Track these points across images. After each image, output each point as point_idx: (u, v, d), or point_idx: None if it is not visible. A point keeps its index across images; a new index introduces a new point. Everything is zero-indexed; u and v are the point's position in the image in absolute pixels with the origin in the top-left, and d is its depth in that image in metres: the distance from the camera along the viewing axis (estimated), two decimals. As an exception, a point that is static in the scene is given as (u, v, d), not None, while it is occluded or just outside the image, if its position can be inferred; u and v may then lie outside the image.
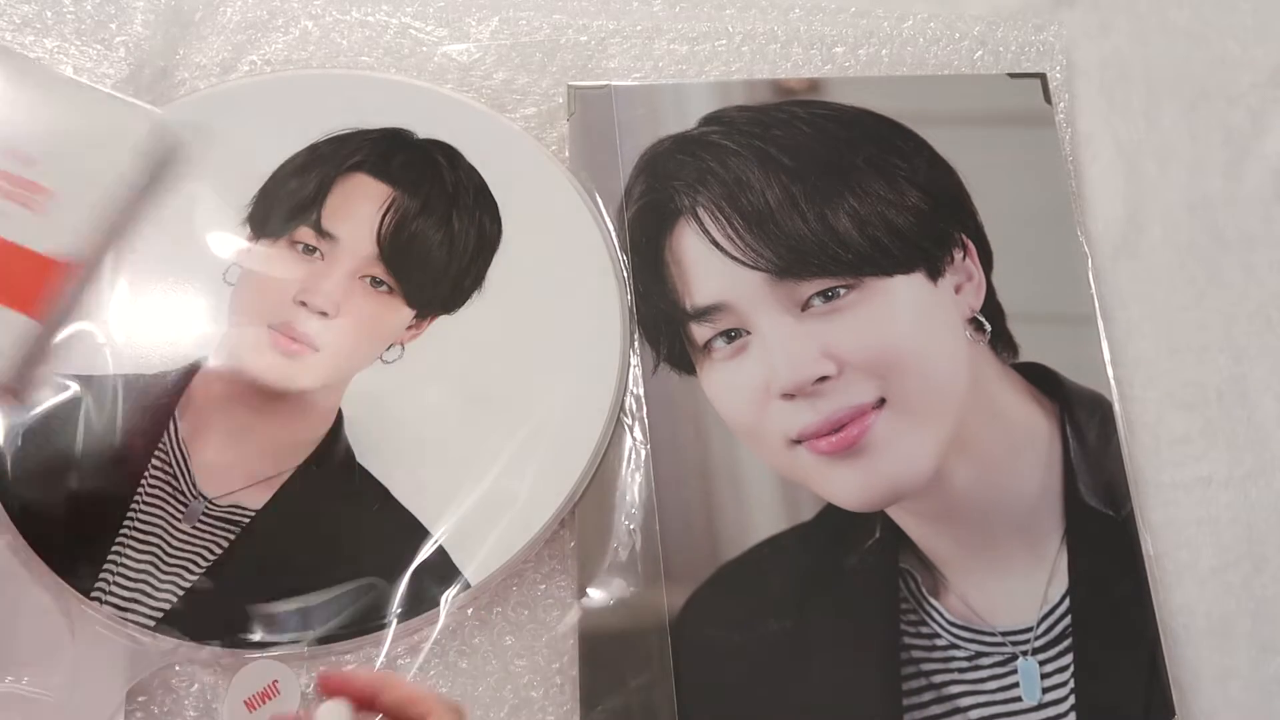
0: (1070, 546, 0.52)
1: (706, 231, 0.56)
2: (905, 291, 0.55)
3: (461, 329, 0.54)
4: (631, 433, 0.53)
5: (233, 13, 0.63)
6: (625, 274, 0.56)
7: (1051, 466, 0.54)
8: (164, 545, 0.50)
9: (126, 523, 0.50)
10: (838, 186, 0.56)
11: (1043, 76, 0.63)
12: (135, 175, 0.55)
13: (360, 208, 0.56)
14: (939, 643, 0.51)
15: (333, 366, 0.53)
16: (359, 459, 0.52)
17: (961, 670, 0.50)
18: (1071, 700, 0.50)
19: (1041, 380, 0.55)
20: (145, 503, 0.51)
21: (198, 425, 0.52)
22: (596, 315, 0.55)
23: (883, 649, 0.51)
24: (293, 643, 0.49)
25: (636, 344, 0.55)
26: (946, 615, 0.51)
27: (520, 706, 0.50)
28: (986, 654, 0.51)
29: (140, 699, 0.49)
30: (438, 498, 0.51)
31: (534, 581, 0.52)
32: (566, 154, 0.59)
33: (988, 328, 0.55)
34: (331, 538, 0.51)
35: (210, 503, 0.51)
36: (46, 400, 0.52)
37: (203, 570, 0.50)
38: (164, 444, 0.52)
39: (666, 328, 0.55)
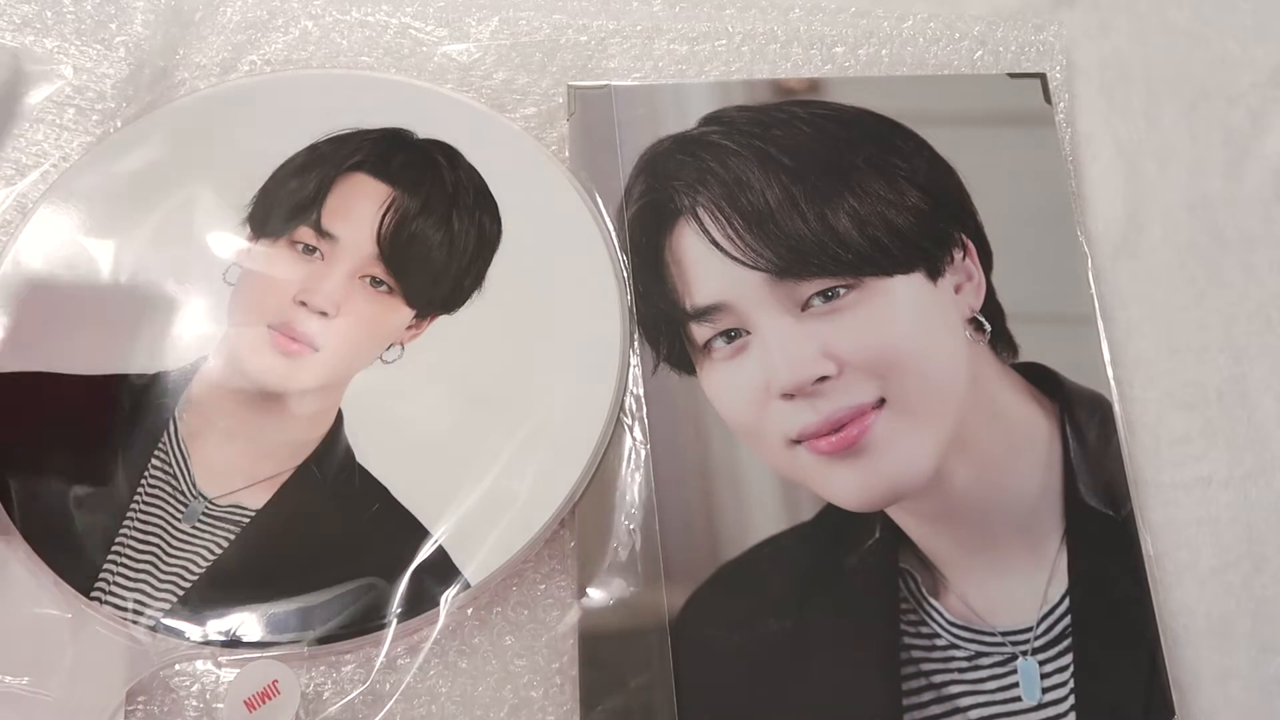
0: (1070, 546, 0.52)
1: (706, 231, 0.56)
2: (905, 291, 0.55)
3: (461, 329, 0.54)
4: (631, 433, 0.53)
5: (233, 13, 0.63)
6: (625, 274, 0.56)
7: (1051, 466, 0.54)
8: (164, 545, 0.50)
9: (126, 523, 0.50)
10: (838, 186, 0.56)
11: (1043, 76, 0.63)
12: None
13: (360, 208, 0.56)
14: (939, 643, 0.51)
15: (333, 366, 0.53)
16: (359, 459, 0.52)
17: (961, 670, 0.50)
18: (1071, 700, 0.50)
19: (1041, 380, 0.55)
20: (145, 503, 0.51)
21: (198, 425, 0.52)
22: (596, 315, 0.55)
23: (883, 649, 0.51)
24: (293, 643, 0.49)
25: (636, 344, 0.55)
26: (946, 615, 0.51)
27: (520, 706, 0.50)
28: (986, 654, 0.51)
29: (140, 699, 0.49)
30: (438, 498, 0.51)
31: (534, 581, 0.52)
32: (566, 154, 0.59)
33: (988, 328, 0.55)
34: (331, 538, 0.51)
35: (210, 503, 0.51)
36: (47, 400, 0.52)
37: (203, 570, 0.50)
38: (164, 444, 0.52)
39: (666, 328, 0.55)
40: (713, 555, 0.52)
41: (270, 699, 0.47)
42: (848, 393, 0.53)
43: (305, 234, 0.55)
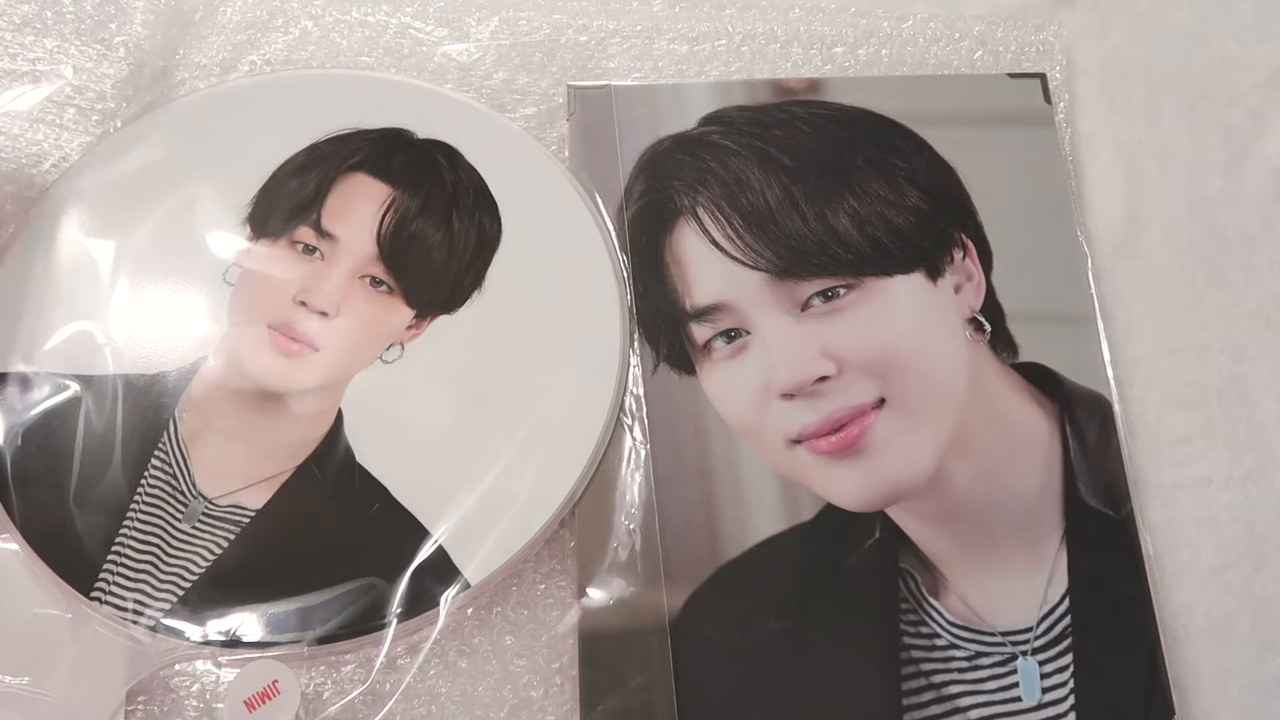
0: (1070, 546, 0.52)
1: (706, 231, 0.56)
2: (905, 291, 0.55)
3: (461, 329, 0.54)
4: (631, 433, 0.53)
5: (232, 13, 0.63)
6: (625, 274, 0.56)
7: (1051, 466, 0.54)
8: (164, 545, 0.50)
9: (126, 523, 0.50)
10: (838, 186, 0.56)
11: (1043, 76, 0.63)
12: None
13: (360, 207, 0.56)
14: (939, 643, 0.51)
15: (332, 366, 0.53)
16: (359, 459, 0.52)
17: (961, 670, 0.50)
18: (1071, 700, 0.50)
19: (1041, 380, 0.55)
20: (145, 503, 0.51)
21: (198, 425, 0.52)
22: (596, 315, 0.55)
23: (883, 649, 0.51)
24: (293, 643, 0.49)
25: (636, 344, 0.55)
26: (946, 615, 0.51)
27: (520, 706, 0.50)
28: (986, 654, 0.51)
29: (140, 699, 0.49)
30: (438, 498, 0.51)
31: (534, 581, 0.52)
32: (566, 154, 0.59)
33: (988, 328, 0.55)
34: (331, 538, 0.51)
35: (210, 503, 0.51)
36: (46, 400, 0.52)
37: (203, 570, 0.50)
38: (164, 444, 0.52)
39: (666, 328, 0.55)
40: (713, 555, 0.52)
41: (270, 699, 0.47)
42: (848, 393, 0.53)
43: (305, 234, 0.55)
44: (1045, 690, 0.50)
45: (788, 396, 0.53)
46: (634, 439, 0.53)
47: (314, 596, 0.49)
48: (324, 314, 0.54)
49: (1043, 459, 0.54)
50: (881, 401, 0.53)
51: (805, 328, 0.54)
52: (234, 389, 0.53)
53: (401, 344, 0.54)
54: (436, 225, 0.56)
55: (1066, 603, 0.51)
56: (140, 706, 0.49)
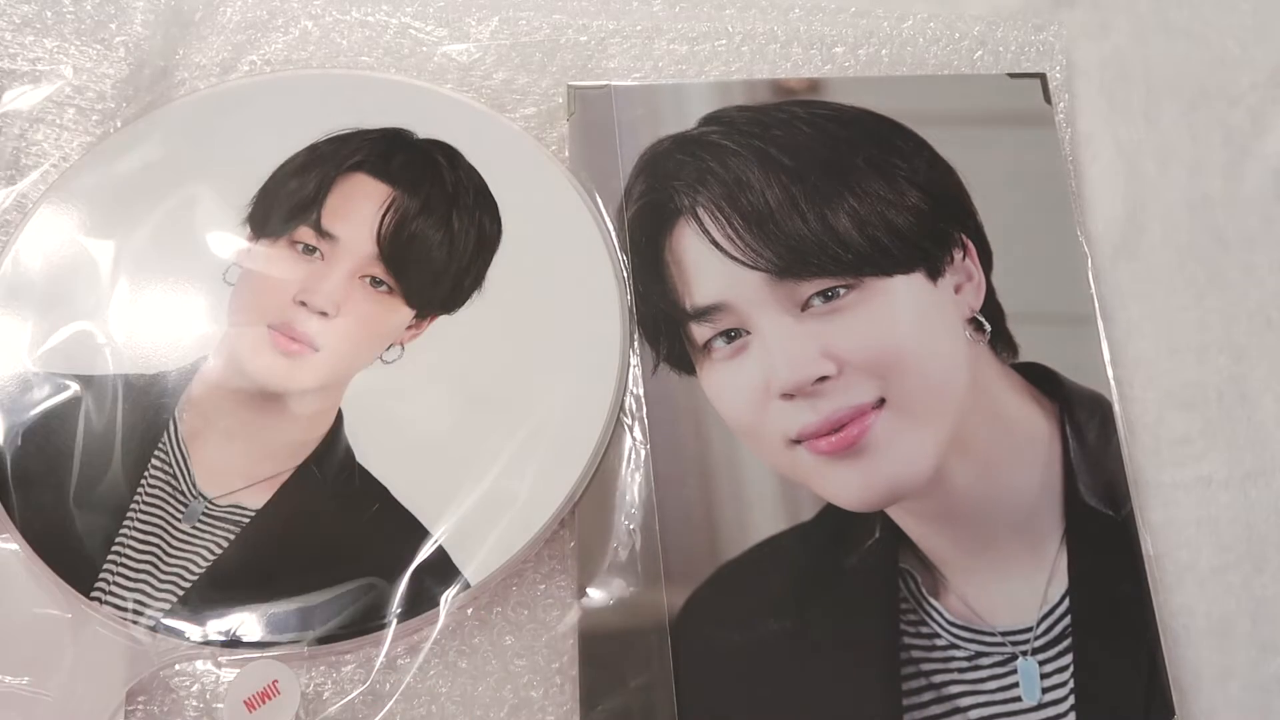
0: (1070, 546, 0.52)
1: (706, 231, 0.56)
2: (905, 291, 0.55)
3: (461, 329, 0.54)
4: (631, 433, 0.53)
5: (232, 13, 0.63)
6: (625, 274, 0.56)
7: (1051, 466, 0.54)
8: (164, 545, 0.50)
9: (126, 523, 0.50)
10: (838, 186, 0.56)
11: (1043, 76, 0.63)
12: None
13: (360, 208, 0.56)
14: (939, 643, 0.51)
15: (332, 366, 0.53)
16: (359, 459, 0.52)
17: (961, 670, 0.50)
18: (1071, 700, 0.50)
19: (1041, 380, 0.55)
20: (145, 503, 0.51)
21: (198, 425, 0.52)
22: (596, 315, 0.55)
23: (883, 649, 0.51)
24: (293, 643, 0.49)
25: (636, 344, 0.55)
26: (946, 615, 0.51)
27: (520, 706, 0.50)
28: (986, 654, 0.51)
29: (140, 699, 0.49)
30: (438, 498, 0.51)
31: (534, 581, 0.52)
32: (566, 154, 0.59)
33: (988, 328, 0.55)
34: (331, 538, 0.51)
35: (210, 503, 0.51)
36: (46, 400, 0.52)
37: (203, 570, 0.50)
38: (164, 444, 0.52)
39: (666, 328, 0.55)
40: (713, 555, 0.52)
41: (270, 699, 0.47)
42: (848, 393, 0.53)
43: (305, 234, 0.55)
44: (1045, 690, 0.50)
45: (788, 396, 0.53)
46: (634, 439, 0.53)
47: (314, 596, 0.49)
48: (324, 314, 0.54)
49: (1043, 459, 0.54)
50: (881, 401, 0.53)
51: (805, 328, 0.54)
52: (234, 389, 0.53)
53: (401, 344, 0.54)
54: (436, 225, 0.56)
55: (1066, 603, 0.51)
56: (140, 706, 0.49)
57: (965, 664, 0.51)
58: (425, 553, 0.50)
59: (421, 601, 0.49)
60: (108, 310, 0.54)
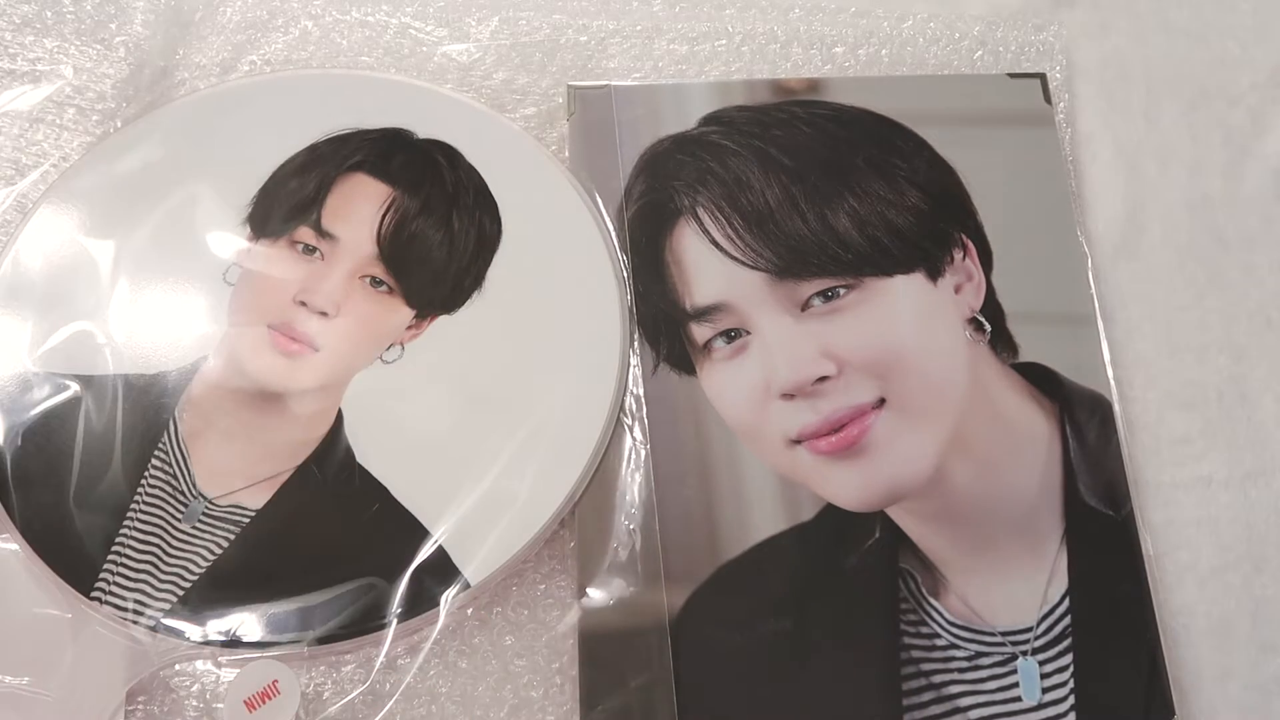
0: (1070, 546, 0.52)
1: (706, 231, 0.56)
2: (905, 291, 0.55)
3: (461, 329, 0.54)
4: (631, 433, 0.53)
5: (232, 13, 0.63)
6: (625, 274, 0.56)
7: (1051, 466, 0.54)
8: (164, 545, 0.50)
9: (126, 523, 0.50)
10: (838, 186, 0.56)
11: (1043, 76, 0.63)
12: None
13: (360, 208, 0.56)
14: (939, 643, 0.51)
15: (332, 366, 0.53)
16: (359, 459, 0.52)
17: (961, 670, 0.50)
18: (1071, 700, 0.50)
19: (1041, 380, 0.55)
20: (145, 503, 0.51)
21: (198, 425, 0.52)
22: (596, 315, 0.55)
23: (883, 649, 0.51)
24: (293, 643, 0.49)
25: (636, 344, 0.55)
26: (946, 615, 0.51)
27: (520, 706, 0.50)
28: (986, 654, 0.51)
29: (140, 699, 0.49)
30: (438, 498, 0.51)
31: (534, 581, 0.52)
32: (566, 154, 0.59)
33: (988, 328, 0.55)
34: (331, 538, 0.51)
35: (210, 503, 0.51)
36: (46, 400, 0.52)
37: (203, 570, 0.50)
38: (164, 444, 0.52)
39: (666, 328, 0.55)
40: (713, 555, 0.52)
41: (270, 699, 0.47)
42: (848, 393, 0.53)
43: (305, 234, 0.55)
44: (1045, 690, 0.50)
45: (788, 396, 0.53)
46: (634, 439, 0.53)
47: (314, 596, 0.49)
48: (324, 314, 0.54)
49: (1043, 459, 0.54)
50: (881, 401, 0.53)
51: (805, 328, 0.54)
52: (234, 389, 0.53)
53: (401, 344, 0.54)
54: (436, 225, 0.56)
55: (1066, 603, 0.51)
56: (140, 706, 0.49)
57: (965, 664, 0.51)
58: (425, 553, 0.50)
59: (421, 601, 0.49)
60: (108, 310, 0.54)
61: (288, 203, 0.56)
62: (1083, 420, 0.55)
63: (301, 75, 0.61)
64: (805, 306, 0.54)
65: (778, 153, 0.57)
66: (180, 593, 0.49)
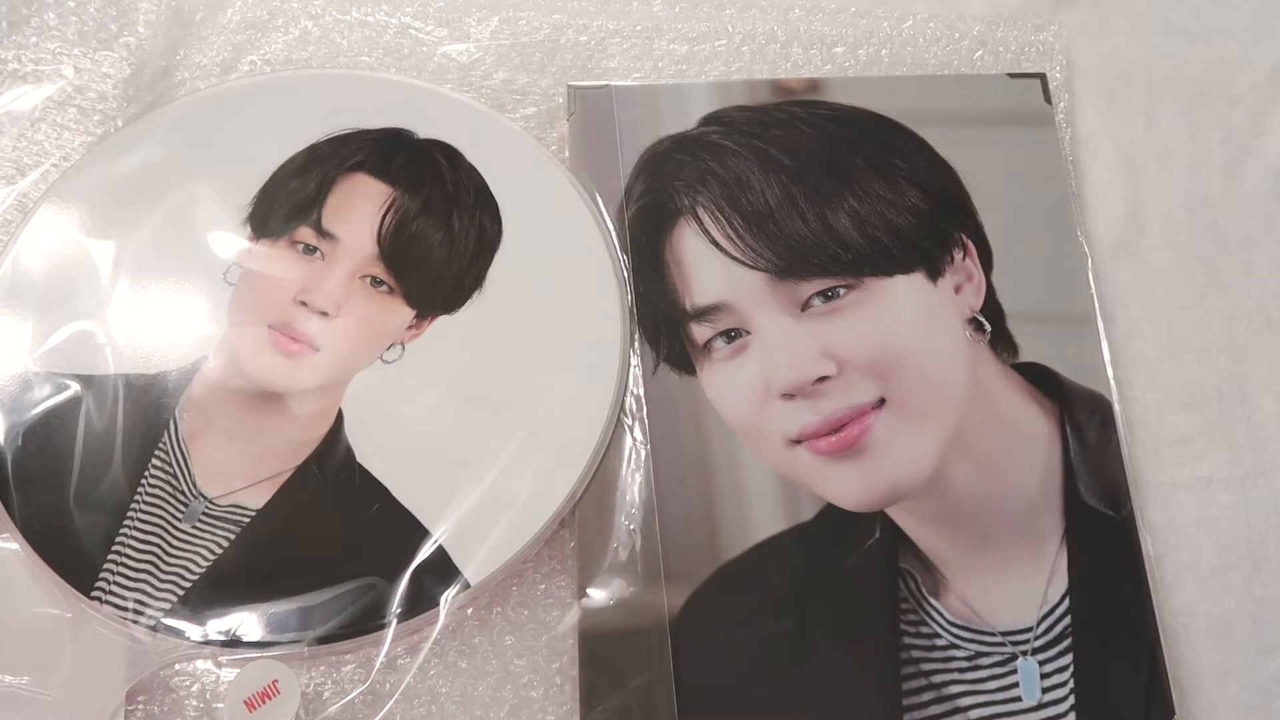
0: (1070, 546, 0.52)
1: (706, 231, 0.56)
2: (905, 291, 0.55)
3: (462, 329, 0.54)
4: (631, 433, 0.53)
5: (233, 13, 0.63)
6: (625, 274, 0.56)
7: (1051, 466, 0.54)
8: (164, 545, 0.50)
9: (126, 522, 0.50)
10: (838, 186, 0.56)
11: (1043, 76, 0.63)
12: None
13: (361, 208, 0.56)
14: (939, 643, 0.51)
15: (333, 366, 0.53)
16: (359, 459, 0.52)
17: (961, 670, 0.50)
18: (1071, 700, 0.50)
19: (1041, 380, 0.55)
20: (145, 503, 0.51)
21: (198, 425, 0.52)
22: (596, 315, 0.55)
23: (883, 649, 0.51)
24: (293, 643, 0.49)
25: (636, 344, 0.55)
26: (946, 615, 0.51)
27: (520, 706, 0.50)
28: (986, 654, 0.51)
29: (140, 699, 0.49)
30: (438, 498, 0.51)
31: (534, 581, 0.52)
32: (566, 154, 0.59)
33: (988, 328, 0.55)
34: (331, 538, 0.51)
35: (210, 503, 0.51)
36: (46, 400, 0.52)
37: (203, 570, 0.50)
38: (164, 444, 0.52)
39: (666, 328, 0.55)
40: (713, 555, 0.52)
41: (270, 699, 0.47)
42: (848, 393, 0.53)
43: (306, 234, 0.55)
44: (1045, 690, 0.50)
45: (788, 396, 0.53)
46: (634, 439, 0.53)
47: (314, 596, 0.49)
48: (324, 314, 0.54)
49: (1043, 459, 0.54)
50: (881, 401, 0.53)
51: (805, 328, 0.54)
52: (234, 389, 0.53)
53: (402, 344, 0.54)
54: (437, 225, 0.56)
55: (1066, 603, 0.51)
56: (140, 706, 0.49)
57: (965, 664, 0.51)
58: (425, 553, 0.50)
59: (421, 601, 0.49)
60: (108, 310, 0.54)
61: (288, 203, 0.56)
62: (1083, 420, 0.55)
63: (302, 75, 0.61)
64: (805, 306, 0.54)
65: (778, 153, 0.57)
66: (180, 592, 0.49)
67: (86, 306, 0.54)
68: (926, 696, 0.50)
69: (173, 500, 0.51)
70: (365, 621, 0.49)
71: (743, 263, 0.55)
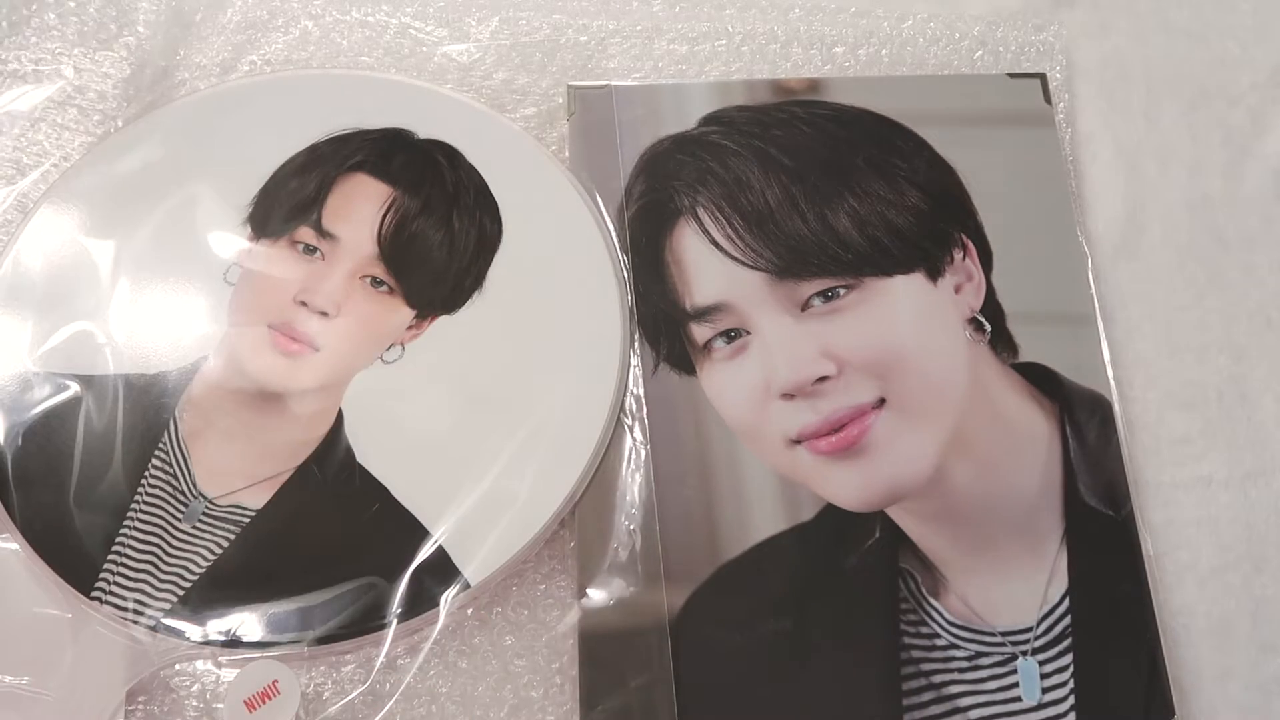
0: (1070, 546, 0.52)
1: (706, 231, 0.56)
2: (905, 291, 0.55)
3: (462, 329, 0.54)
4: (631, 433, 0.53)
5: (233, 13, 0.63)
6: (625, 274, 0.56)
7: (1051, 466, 0.54)
8: (164, 545, 0.50)
9: (126, 523, 0.50)
10: (838, 186, 0.56)
11: (1043, 76, 0.63)
12: None
13: (361, 208, 0.56)
14: (939, 643, 0.51)
15: (333, 366, 0.53)
16: (359, 459, 0.52)
17: (961, 670, 0.50)
18: (1071, 700, 0.50)
19: (1041, 380, 0.55)
20: (145, 503, 0.51)
21: (198, 425, 0.52)
22: (596, 315, 0.55)
23: (883, 649, 0.51)
24: (293, 643, 0.49)
25: (636, 344, 0.55)
26: (946, 615, 0.51)
27: (520, 706, 0.50)
28: (986, 654, 0.51)
29: (140, 699, 0.49)
30: (438, 498, 0.51)
31: (534, 581, 0.52)
32: (566, 154, 0.59)
33: (988, 328, 0.55)
34: (331, 538, 0.51)
35: (210, 503, 0.51)
36: (46, 400, 0.52)
37: (203, 570, 0.50)
38: (164, 444, 0.52)
39: (666, 328, 0.55)
40: (713, 555, 0.52)
41: (270, 699, 0.47)
42: (848, 393, 0.53)
43: (306, 234, 0.55)
44: (1045, 690, 0.50)
45: (788, 396, 0.53)
46: (634, 439, 0.53)
47: (314, 596, 0.49)
48: (324, 314, 0.54)
49: (1043, 459, 0.54)
50: (881, 401, 0.53)
51: (805, 328, 0.54)
52: (234, 389, 0.53)
53: (402, 344, 0.54)
54: (437, 225, 0.56)
55: (1066, 603, 0.51)
56: (140, 706, 0.49)
57: (965, 664, 0.51)
58: (425, 553, 0.50)
59: (421, 601, 0.49)
60: (108, 310, 0.54)
61: (288, 203, 0.56)
62: (1083, 420, 0.55)
63: (302, 75, 0.61)
64: (805, 306, 0.54)
65: (778, 153, 0.57)
66: (180, 592, 0.49)
67: (86, 306, 0.54)
68: (926, 696, 0.50)
69: (173, 500, 0.51)
70: (365, 621, 0.49)
71: (743, 263, 0.55)
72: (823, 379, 0.53)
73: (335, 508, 0.51)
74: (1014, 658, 0.51)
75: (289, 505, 0.51)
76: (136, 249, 0.55)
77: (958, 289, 0.56)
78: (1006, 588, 0.52)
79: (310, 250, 0.55)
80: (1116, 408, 0.56)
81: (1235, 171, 0.63)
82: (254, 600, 0.49)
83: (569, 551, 0.52)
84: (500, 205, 0.56)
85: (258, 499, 0.51)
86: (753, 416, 0.53)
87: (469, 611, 0.51)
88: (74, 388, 0.52)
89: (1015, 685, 0.50)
